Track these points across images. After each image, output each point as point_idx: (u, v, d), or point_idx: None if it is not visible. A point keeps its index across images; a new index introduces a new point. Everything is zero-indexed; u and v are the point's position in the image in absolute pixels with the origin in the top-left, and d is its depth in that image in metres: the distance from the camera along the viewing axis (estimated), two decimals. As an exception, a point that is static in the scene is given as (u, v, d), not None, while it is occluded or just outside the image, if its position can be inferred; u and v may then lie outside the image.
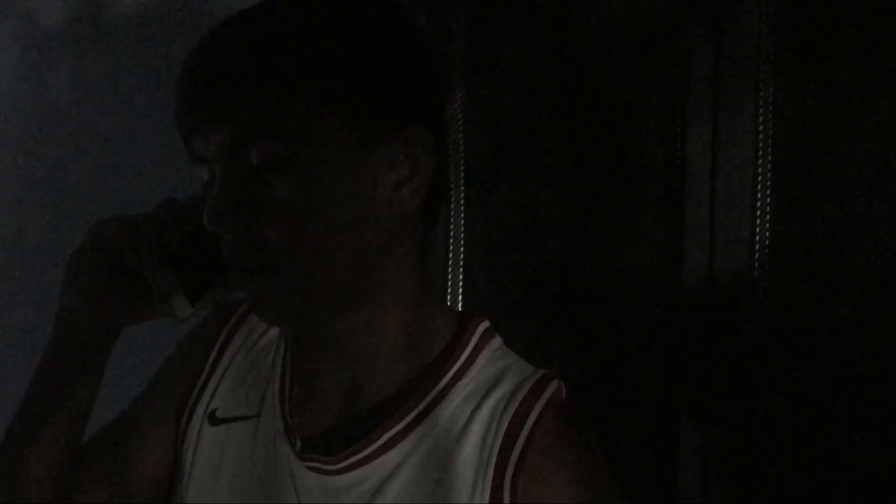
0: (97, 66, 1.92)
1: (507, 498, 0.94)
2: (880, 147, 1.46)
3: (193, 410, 1.07)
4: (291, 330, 1.06)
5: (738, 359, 1.52)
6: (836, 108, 1.48)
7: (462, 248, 1.63)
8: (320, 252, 0.92)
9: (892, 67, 1.45)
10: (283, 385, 1.04)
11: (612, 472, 0.98)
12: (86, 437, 1.06)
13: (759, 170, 1.51)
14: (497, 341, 1.03)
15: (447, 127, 1.02)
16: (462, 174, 1.63)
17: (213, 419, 1.06)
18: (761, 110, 1.51)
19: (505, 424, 0.96)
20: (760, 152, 1.51)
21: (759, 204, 1.51)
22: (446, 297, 1.63)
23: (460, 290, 1.64)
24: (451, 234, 1.63)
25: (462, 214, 1.63)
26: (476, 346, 1.01)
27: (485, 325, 1.03)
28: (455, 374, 0.99)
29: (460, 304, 1.63)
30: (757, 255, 1.51)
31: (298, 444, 0.99)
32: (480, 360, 1.01)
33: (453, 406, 0.98)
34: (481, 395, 0.98)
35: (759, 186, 1.51)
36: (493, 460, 0.95)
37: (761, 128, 1.51)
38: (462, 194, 1.63)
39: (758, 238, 1.51)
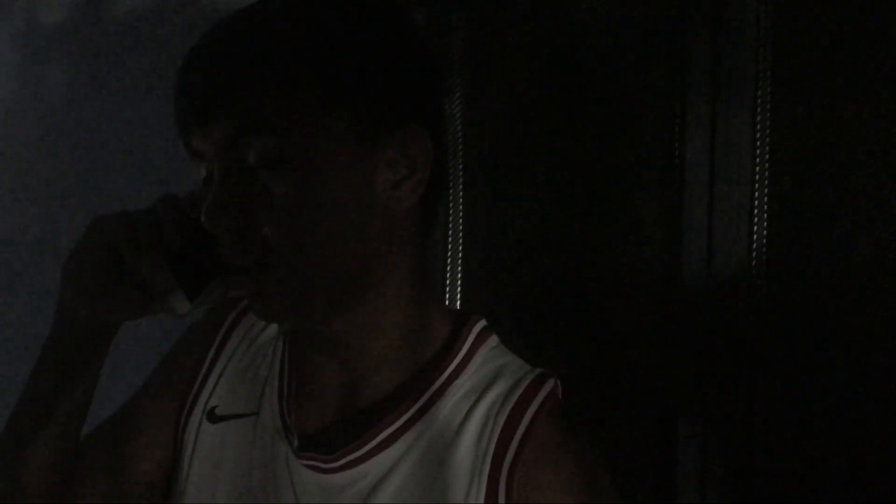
0: (96, 66, 1.93)
1: (502, 496, 0.94)
2: (877, 147, 1.46)
3: (193, 407, 1.07)
4: (289, 328, 1.06)
5: (736, 358, 1.52)
6: (834, 108, 1.48)
7: (460, 248, 1.63)
8: (317, 250, 0.92)
9: (890, 67, 1.46)
10: (281, 383, 1.04)
11: (608, 471, 0.98)
12: (83, 432, 1.06)
13: (757, 169, 1.51)
14: (494, 340, 1.03)
15: (445, 126, 1.02)
16: (460, 174, 1.63)
17: (212, 416, 1.06)
18: (759, 110, 1.51)
19: (501, 423, 0.96)
20: (758, 152, 1.51)
21: (756, 204, 1.51)
22: (445, 297, 1.63)
23: (458, 289, 1.64)
24: (450, 233, 1.63)
25: (460, 214, 1.63)
26: (473, 344, 1.01)
27: (482, 323, 1.03)
28: (452, 373, 0.99)
29: (458, 303, 1.63)
30: (755, 255, 1.51)
31: (296, 442, 1.00)
32: (477, 358, 1.01)
33: (450, 404, 0.98)
34: (478, 394, 0.98)
35: (757, 186, 1.51)
36: (489, 459, 0.95)
37: (759, 128, 1.51)
38: (460, 194, 1.64)
39: (755, 238, 1.51)
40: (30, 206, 1.98)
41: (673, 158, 1.56)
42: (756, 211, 1.51)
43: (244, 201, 0.91)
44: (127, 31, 1.90)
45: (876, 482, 1.47)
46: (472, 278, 1.64)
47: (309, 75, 0.91)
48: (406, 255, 0.98)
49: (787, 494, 1.51)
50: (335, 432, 1.00)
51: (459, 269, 1.64)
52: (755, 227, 1.51)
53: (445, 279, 1.64)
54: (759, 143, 1.51)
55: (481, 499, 0.94)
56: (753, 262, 1.51)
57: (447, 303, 1.63)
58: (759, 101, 1.51)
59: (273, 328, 1.08)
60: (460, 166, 1.63)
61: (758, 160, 1.51)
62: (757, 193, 1.51)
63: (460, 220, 1.63)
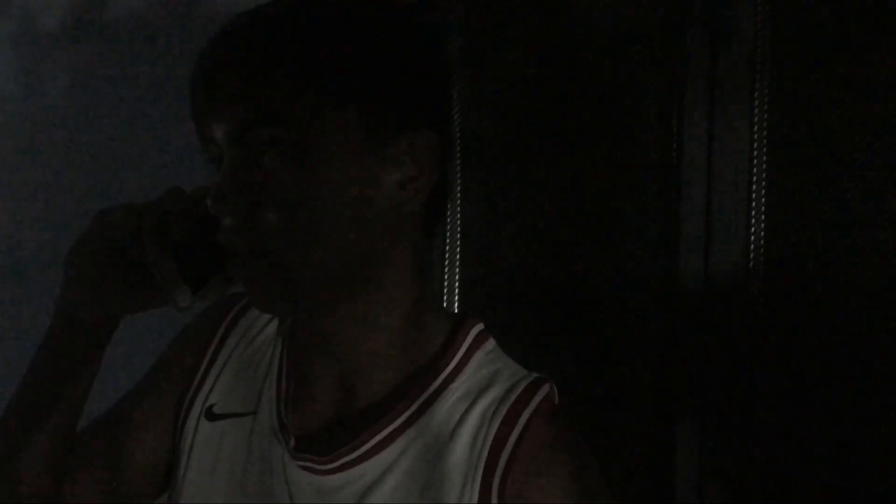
0: (95, 66, 1.93)
1: (495, 500, 0.94)
2: (875, 149, 1.47)
3: (191, 405, 1.07)
4: (284, 319, 1.06)
5: (734, 360, 1.52)
6: (832, 110, 1.48)
7: (458, 249, 1.63)
8: (318, 240, 0.93)
9: (888, 69, 1.46)
10: (279, 383, 1.04)
11: (603, 476, 0.98)
12: (80, 425, 1.06)
13: (755, 171, 1.51)
14: (491, 343, 1.04)
15: (454, 131, 1.02)
16: (458, 175, 1.63)
17: (210, 415, 1.06)
18: (757, 112, 1.51)
19: (495, 427, 0.96)
20: (756, 154, 1.51)
21: (754, 206, 1.51)
22: (442, 299, 1.63)
23: (456, 291, 1.64)
24: (448, 234, 1.63)
25: (458, 215, 1.63)
26: (469, 347, 1.01)
27: (479, 327, 1.04)
28: (448, 376, 0.99)
29: (456, 306, 1.63)
30: (752, 257, 1.51)
31: (292, 442, 1.00)
32: (473, 362, 1.01)
33: (445, 408, 0.98)
34: (473, 398, 0.98)
35: (755, 188, 1.51)
36: (483, 463, 0.95)
37: (757, 130, 1.51)
38: (458, 195, 1.64)
39: (753, 240, 1.51)
40: (29, 207, 1.98)
41: (671, 161, 1.56)
42: (753, 213, 1.51)
43: (251, 187, 0.92)
44: (126, 31, 1.90)
45: (875, 482, 1.47)
46: (470, 281, 1.64)
47: (323, 70, 0.92)
48: (406, 255, 0.99)
49: (785, 495, 1.52)
50: (331, 433, 1.00)
51: (457, 271, 1.64)
52: (752, 230, 1.51)
53: (443, 281, 1.64)
54: (756, 145, 1.51)
55: (475, 501, 0.94)
56: (751, 264, 1.51)
57: (445, 305, 1.63)
58: (757, 103, 1.51)
59: (271, 327, 1.08)
60: (458, 167, 1.63)
61: (755, 162, 1.51)
62: (754, 196, 1.51)
63: (458, 222, 1.63)
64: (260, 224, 0.92)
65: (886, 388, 1.46)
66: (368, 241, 0.95)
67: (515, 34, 1.64)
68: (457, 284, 1.64)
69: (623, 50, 1.58)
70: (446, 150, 0.98)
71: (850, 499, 1.48)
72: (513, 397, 0.98)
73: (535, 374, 1.01)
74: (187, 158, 1.78)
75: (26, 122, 1.98)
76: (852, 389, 1.48)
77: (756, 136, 1.51)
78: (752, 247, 1.51)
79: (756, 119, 1.51)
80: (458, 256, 1.63)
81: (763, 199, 1.51)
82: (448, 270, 1.63)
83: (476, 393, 0.99)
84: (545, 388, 0.99)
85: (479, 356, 1.01)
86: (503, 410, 0.97)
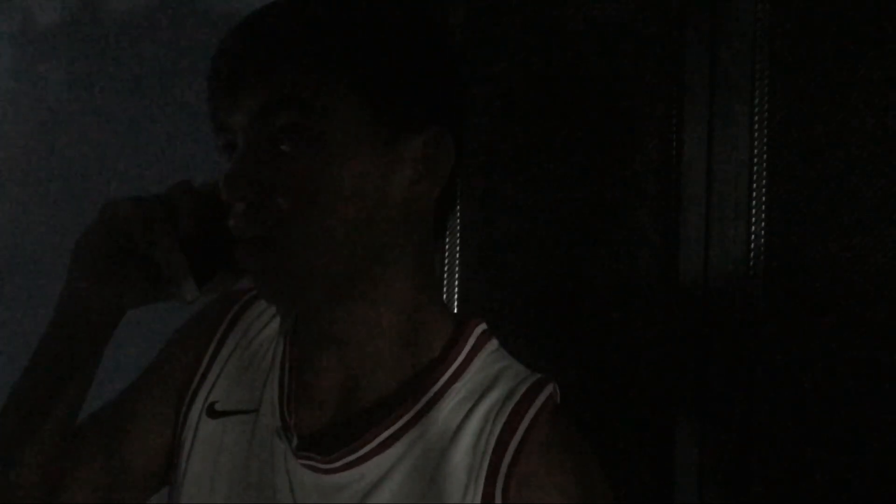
0: (94, 64, 1.93)
1: (498, 500, 0.94)
2: (874, 149, 1.47)
3: (193, 401, 1.07)
4: (287, 316, 1.06)
5: (734, 360, 1.52)
6: (831, 111, 1.48)
7: (458, 250, 1.63)
8: (326, 231, 0.93)
9: (888, 68, 1.46)
10: (281, 381, 1.04)
11: (605, 477, 0.98)
12: (80, 419, 1.06)
13: (755, 171, 1.51)
14: (493, 344, 1.04)
15: (467, 132, 1.02)
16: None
17: (212, 412, 1.06)
18: (757, 112, 1.51)
19: (498, 428, 0.96)
20: (756, 154, 1.51)
21: (754, 206, 1.51)
22: (443, 299, 1.63)
23: (456, 291, 1.64)
24: (448, 235, 1.63)
25: (458, 216, 1.63)
26: (473, 348, 1.01)
27: (482, 327, 1.04)
28: (451, 376, 0.99)
29: (457, 306, 1.63)
30: (752, 257, 1.51)
31: (295, 441, 1.00)
32: (477, 362, 1.01)
33: (448, 408, 0.98)
34: (476, 398, 0.98)
35: (755, 188, 1.51)
36: (486, 463, 0.95)
37: (756, 130, 1.51)
38: (458, 195, 1.64)
39: (753, 240, 1.51)
40: (28, 206, 1.98)
41: (670, 161, 1.56)
42: (753, 212, 1.51)
43: (265, 172, 0.92)
44: (124, 29, 1.90)
45: (875, 482, 1.47)
46: (471, 281, 1.64)
47: (343, 61, 0.93)
48: (413, 254, 0.99)
49: (785, 495, 1.52)
50: (334, 433, 1.00)
51: (457, 271, 1.64)
52: (752, 229, 1.51)
53: (443, 281, 1.64)
54: (756, 144, 1.51)
55: (478, 501, 0.94)
56: (751, 264, 1.51)
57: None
58: (757, 103, 1.51)
59: (274, 325, 1.08)
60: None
61: (755, 162, 1.51)
62: (754, 195, 1.51)
63: (458, 223, 1.63)
64: (271, 210, 0.92)
65: (886, 388, 1.46)
66: (377, 237, 0.95)
67: (514, 34, 1.63)
68: (457, 284, 1.64)
69: (623, 50, 1.58)
70: (459, 150, 0.98)
71: (850, 499, 1.48)
72: (516, 398, 0.98)
73: (537, 375, 1.01)
74: (188, 156, 1.79)
75: (26, 121, 1.98)
76: (852, 389, 1.48)
77: (756, 135, 1.51)
78: (751, 247, 1.51)
79: (756, 119, 1.51)
80: (458, 256, 1.63)
81: (763, 199, 1.51)
82: (448, 270, 1.63)
83: (479, 393, 0.99)
84: (548, 389, 0.99)
85: (482, 356, 1.02)
86: (506, 411, 0.97)
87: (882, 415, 1.47)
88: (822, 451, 1.49)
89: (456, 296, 1.64)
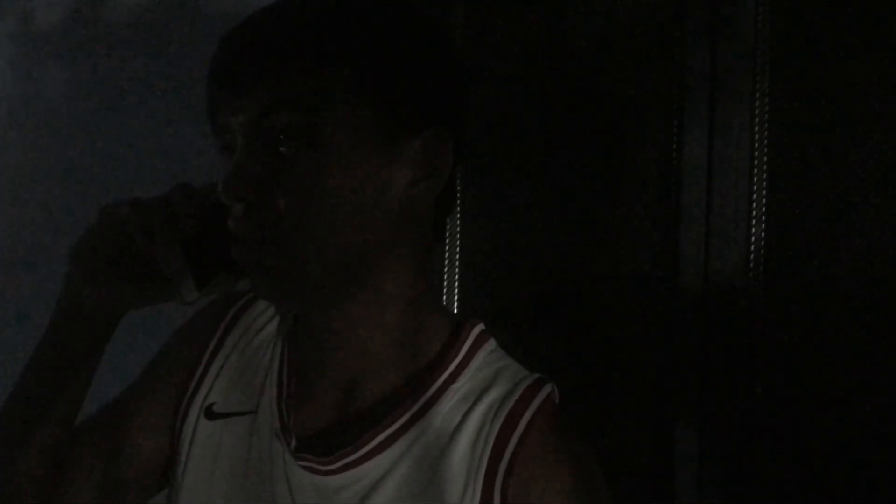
0: (94, 64, 1.93)
1: (497, 499, 0.94)
2: (875, 148, 1.46)
3: (191, 403, 1.07)
4: (285, 318, 1.06)
5: (734, 360, 1.52)
6: (832, 110, 1.48)
7: (458, 250, 1.63)
8: (324, 232, 0.93)
9: (888, 67, 1.46)
10: (279, 382, 1.04)
11: (603, 477, 0.98)
12: (78, 420, 1.06)
13: (755, 171, 1.51)
14: (492, 344, 1.04)
15: (468, 133, 1.02)
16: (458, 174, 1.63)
17: (210, 413, 1.06)
18: (757, 112, 1.51)
19: (496, 428, 0.96)
20: (756, 154, 1.51)
21: (754, 205, 1.51)
22: (442, 299, 1.63)
23: (456, 292, 1.64)
24: (448, 236, 1.63)
25: (458, 215, 1.63)
26: (471, 348, 1.01)
27: (480, 327, 1.04)
28: (449, 377, 0.99)
29: (456, 306, 1.63)
30: (752, 257, 1.51)
31: (293, 442, 1.00)
32: (475, 362, 1.01)
33: (446, 409, 0.98)
34: (475, 397, 0.98)
35: (755, 188, 1.51)
36: (484, 463, 0.95)
37: (757, 129, 1.51)
38: (458, 195, 1.63)
39: (753, 239, 1.51)
40: (28, 204, 1.98)
41: (671, 160, 1.56)
42: (754, 212, 1.51)
43: (264, 173, 0.92)
44: (124, 29, 1.90)
45: (874, 482, 1.47)
46: (470, 282, 1.64)
47: (344, 62, 0.93)
48: (412, 254, 0.99)
49: (784, 495, 1.52)
50: (332, 434, 1.00)
51: (457, 271, 1.64)
52: (753, 229, 1.51)
53: (442, 281, 1.64)
54: (756, 144, 1.51)
55: (477, 501, 0.94)
56: (751, 264, 1.51)
57: (444, 305, 1.63)
58: (758, 101, 1.51)
59: (272, 326, 1.08)
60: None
61: (756, 161, 1.51)
62: (755, 195, 1.51)
63: (457, 222, 1.63)
64: (270, 211, 0.92)
65: (886, 388, 1.46)
66: (376, 238, 0.95)
67: (514, 34, 1.63)
68: (456, 285, 1.63)
69: (623, 50, 1.58)
70: (459, 152, 0.98)
71: (849, 498, 1.48)
72: (514, 398, 0.98)
73: (536, 375, 1.01)
74: (188, 157, 1.79)
75: (26, 121, 1.98)
76: (852, 389, 1.48)
77: (756, 135, 1.51)
78: (751, 247, 1.51)
79: (756, 119, 1.51)
80: (457, 257, 1.63)
81: (763, 199, 1.51)
82: (448, 271, 1.63)
83: (477, 393, 0.98)
84: (546, 389, 0.99)
85: (480, 356, 1.01)
86: (505, 411, 0.97)
87: (882, 414, 1.46)
88: (821, 450, 1.49)
89: (456, 296, 1.64)
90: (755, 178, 1.51)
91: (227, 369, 1.07)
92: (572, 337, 1.60)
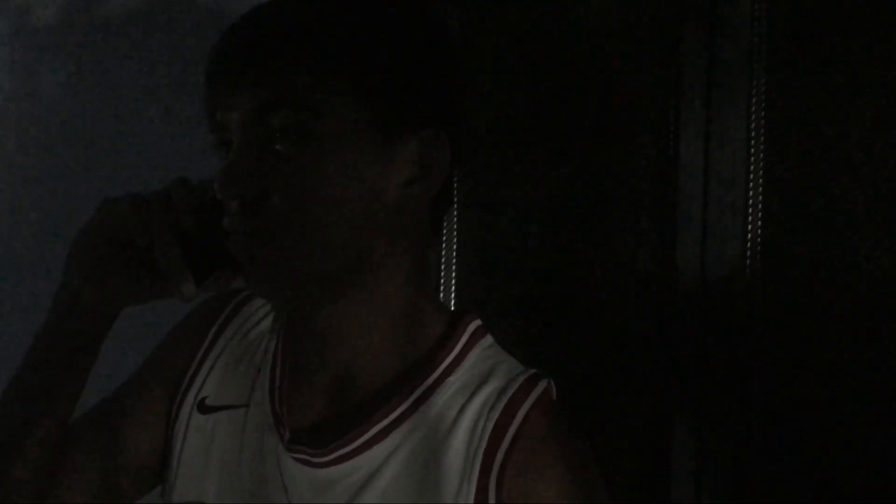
0: (91, 61, 1.93)
1: (492, 492, 0.94)
2: (871, 146, 1.47)
3: (184, 398, 1.07)
4: (282, 308, 1.06)
5: (731, 358, 1.52)
6: (830, 107, 1.48)
7: (455, 248, 1.63)
8: (319, 227, 0.93)
9: (886, 65, 1.46)
10: (273, 375, 1.04)
11: (600, 471, 0.98)
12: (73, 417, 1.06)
13: (752, 169, 1.51)
14: (488, 339, 1.04)
15: (465, 134, 1.02)
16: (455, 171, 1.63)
17: (203, 407, 1.06)
18: (754, 110, 1.51)
19: (493, 421, 0.96)
20: (753, 151, 1.51)
21: (751, 203, 1.51)
22: (439, 296, 1.63)
23: (453, 287, 1.64)
24: (445, 233, 1.63)
25: (455, 213, 1.63)
26: (467, 343, 1.01)
27: (476, 322, 1.04)
28: (445, 370, 0.99)
29: (453, 302, 1.63)
30: (749, 255, 1.51)
31: (287, 435, 1.00)
32: (471, 356, 1.01)
33: (442, 401, 0.98)
34: (471, 391, 0.98)
35: (752, 186, 1.51)
36: (480, 456, 0.95)
37: (754, 126, 1.51)
38: (455, 191, 1.64)
39: (750, 237, 1.51)
40: (25, 204, 1.98)
41: (667, 158, 1.56)
42: (751, 210, 1.51)
43: (260, 171, 0.92)
44: (122, 28, 1.90)
45: (873, 482, 1.47)
46: (466, 277, 1.64)
47: (342, 60, 0.93)
48: (408, 253, 0.99)
49: (782, 495, 1.52)
50: (326, 426, 1.00)
51: (454, 267, 1.64)
52: (749, 227, 1.51)
53: (440, 278, 1.64)
54: (753, 142, 1.51)
55: (471, 496, 0.94)
56: (748, 262, 1.51)
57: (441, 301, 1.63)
58: (754, 100, 1.51)
59: (267, 321, 1.08)
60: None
61: (752, 159, 1.51)
62: (751, 193, 1.51)
63: (455, 220, 1.63)
64: (265, 208, 0.92)
65: (884, 386, 1.46)
66: (372, 236, 0.95)
67: (512, 32, 1.63)
68: (453, 281, 1.64)
69: (619, 47, 1.58)
70: (456, 151, 0.98)
71: (848, 498, 1.48)
72: (510, 391, 0.98)
73: (532, 370, 1.01)
74: (186, 154, 1.79)
75: (23, 119, 1.98)
76: (850, 387, 1.48)
77: (753, 132, 1.51)
78: (748, 244, 1.51)
79: (753, 116, 1.51)
80: (454, 252, 1.63)
81: (760, 196, 1.51)
82: (444, 266, 1.63)
83: (473, 387, 0.98)
84: (543, 383, 0.99)
85: (476, 351, 1.01)
86: (501, 404, 0.97)
87: (880, 414, 1.47)
88: (819, 450, 1.49)
89: (453, 295, 1.64)
90: (752, 178, 1.51)
91: (220, 364, 1.07)
92: (569, 335, 1.60)
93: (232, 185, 0.92)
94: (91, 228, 0.96)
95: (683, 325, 1.55)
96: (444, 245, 1.63)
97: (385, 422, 0.97)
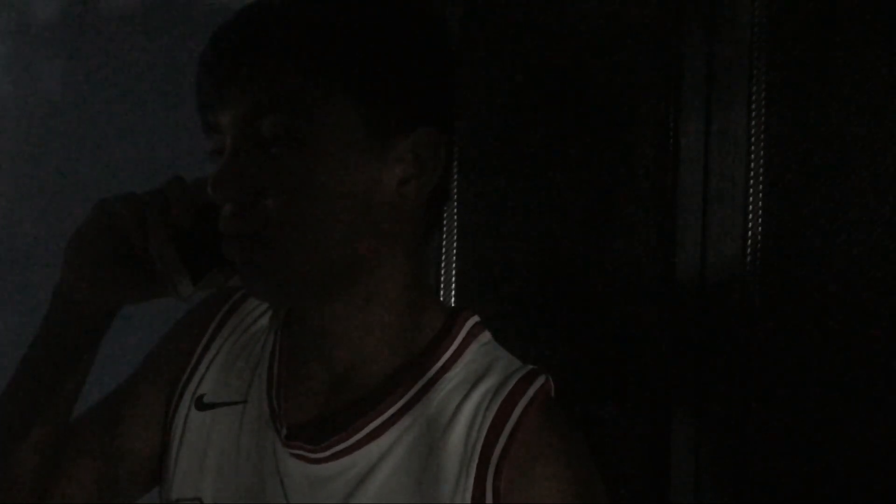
0: (90, 59, 1.93)
1: (489, 490, 0.94)
2: (871, 143, 1.47)
3: (182, 395, 1.07)
4: (278, 310, 1.06)
5: (731, 356, 1.52)
6: (829, 105, 1.48)
7: (455, 244, 1.63)
8: (314, 229, 0.93)
9: (884, 65, 1.46)
10: (270, 372, 1.04)
11: (597, 468, 0.98)
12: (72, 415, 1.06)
13: (752, 165, 1.51)
14: (486, 336, 1.04)
15: (457, 130, 1.02)
16: (455, 170, 1.63)
17: (200, 404, 1.06)
18: (754, 107, 1.51)
19: (490, 417, 0.96)
20: (753, 150, 1.51)
21: (751, 200, 1.51)
22: (438, 293, 1.63)
23: (452, 285, 1.64)
24: (444, 229, 1.63)
25: (455, 210, 1.63)
26: (465, 339, 1.01)
27: (474, 319, 1.03)
28: (443, 366, 0.99)
29: (452, 300, 1.63)
30: (749, 251, 1.51)
31: (284, 431, 1.00)
32: (469, 353, 1.01)
33: (440, 397, 0.98)
34: (468, 387, 0.98)
35: (752, 182, 1.51)
36: (478, 452, 0.94)
37: (754, 125, 1.51)
38: (455, 190, 1.64)
39: (750, 234, 1.51)
40: (23, 202, 1.98)
41: (667, 156, 1.56)
42: (750, 208, 1.51)
43: (254, 174, 0.92)
44: (120, 26, 1.90)
45: (872, 481, 1.47)
46: (466, 275, 1.64)
47: (333, 62, 0.93)
48: (404, 252, 0.99)
49: (781, 494, 1.51)
50: (324, 422, 0.99)
51: (453, 265, 1.64)
52: (749, 225, 1.51)
53: (439, 275, 1.64)
54: (753, 140, 1.51)
55: (469, 491, 0.94)
56: (748, 260, 1.51)
57: (440, 299, 1.63)
58: (754, 98, 1.51)
59: (265, 318, 1.08)
60: (455, 163, 1.63)
61: (752, 157, 1.51)
62: (751, 191, 1.51)
63: (454, 216, 1.63)
64: (259, 211, 0.92)
65: (884, 385, 1.46)
66: (367, 237, 0.95)
67: (511, 31, 1.64)
68: (453, 279, 1.64)
69: (620, 46, 1.58)
70: (449, 149, 0.98)
71: (848, 497, 1.48)
72: (508, 388, 0.97)
73: (530, 366, 1.01)
74: (183, 153, 1.79)
75: (21, 117, 1.98)
76: (849, 386, 1.48)
77: (753, 131, 1.51)
78: (748, 242, 1.51)
79: (753, 114, 1.51)
80: (454, 251, 1.63)
81: (760, 195, 1.51)
82: (444, 265, 1.63)
83: (471, 383, 0.98)
84: (540, 380, 0.99)
85: (474, 348, 1.01)
86: (498, 400, 0.96)
87: (880, 412, 1.46)
88: (819, 449, 1.49)
89: (453, 293, 1.64)
90: (752, 173, 1.51)
91: (218, 361, 1.07)
92: (568, 330, 1.60)
93: (225, 188, 0.91)
94: (86, 228, 0.96)
95: (683, 322, 1.55)
96: (444, 244, 1.63)
97: (382, 418, 0.97)
